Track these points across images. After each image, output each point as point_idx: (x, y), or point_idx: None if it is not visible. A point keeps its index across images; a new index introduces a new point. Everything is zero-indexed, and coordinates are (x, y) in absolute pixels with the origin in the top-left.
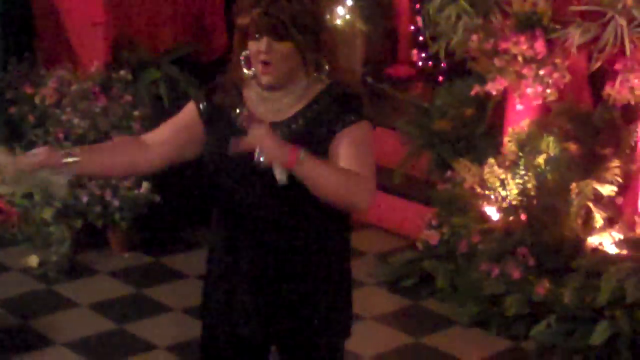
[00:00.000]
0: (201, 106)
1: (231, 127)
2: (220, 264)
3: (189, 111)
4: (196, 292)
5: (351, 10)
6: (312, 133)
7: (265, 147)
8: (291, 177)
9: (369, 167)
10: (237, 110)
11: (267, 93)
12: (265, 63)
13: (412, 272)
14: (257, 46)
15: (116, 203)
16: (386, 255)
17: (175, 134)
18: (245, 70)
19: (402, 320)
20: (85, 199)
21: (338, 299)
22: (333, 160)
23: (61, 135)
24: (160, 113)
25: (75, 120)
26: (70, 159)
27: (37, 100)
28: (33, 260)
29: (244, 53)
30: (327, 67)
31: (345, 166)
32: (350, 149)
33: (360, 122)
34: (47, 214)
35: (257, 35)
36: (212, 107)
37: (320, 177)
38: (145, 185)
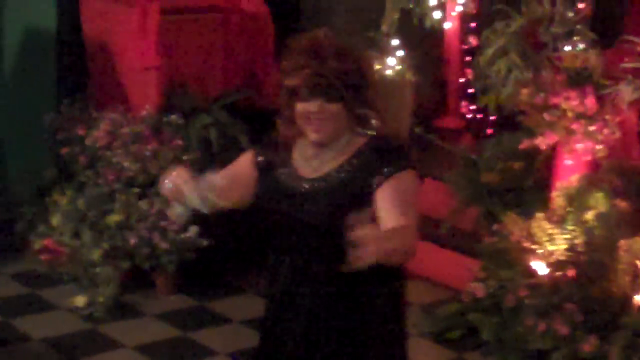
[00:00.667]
0: (259, 158)
1: (277, 184)
2: (276, 314)
3: (246, 160)
4: (240, 337)
5: (402, 60)
6: (350, 185)
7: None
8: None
9: (412, 215)
10: (283, 169)
11: (312, 150)
12: (319, 121)
13: (457, 325)
14: (307, 107)
15: (164, 246)
16: (432, 307)
17: (232, 179)
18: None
19: None
20: (133, 241)
21: (394, 352)
22: (378, 209)
23: (112, 178)
24: (209, 158)
25: (126, 163)
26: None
27: (88, 141)
28: (80, 300)
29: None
30: (373, 121)
31: (388, 214)
32: (392, 197)
33: (403, 172)
34: (95, 254)
35: (307, 97)
36: (266, 160)
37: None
38: (193, 229)
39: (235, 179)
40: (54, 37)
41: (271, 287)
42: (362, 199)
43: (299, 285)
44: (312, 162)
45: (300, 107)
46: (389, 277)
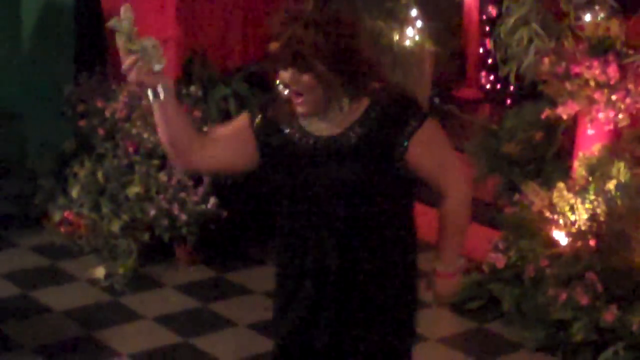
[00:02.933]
0: (256, 119)
1: (284, 140)
2: (289, 282)
3: (242, 120)
4: (260, 307)
5: (420, 31)
6: (374, 141)
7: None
8: (357, 198)
9: (452, 160)
10: (289, 127)
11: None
12: (297, 93)
13: (478, 295)
14: (282, 75)
15: (183, 217)
16: None
17: (227, 137)
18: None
19: (467, 344)
20: (152, 212)
21: (405, 313)
22: (417, 169)
23: (131, 149)
24: None
25: (145, 135)
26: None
27: (107, 113)
28: (100, 272)
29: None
30: (365, 88)
31: (433, 172)
32: (428, 154)
33: (426, 123)
34: (115, 226)
35: (283, 65)
36: (266, 120)
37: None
38: (212, 200)
39: (228, 137)
40: (72, 10)
41: (281, 255)
42: (389, 157)
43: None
44: (319, 123)
45: (280, 74)
46: (403, 247)
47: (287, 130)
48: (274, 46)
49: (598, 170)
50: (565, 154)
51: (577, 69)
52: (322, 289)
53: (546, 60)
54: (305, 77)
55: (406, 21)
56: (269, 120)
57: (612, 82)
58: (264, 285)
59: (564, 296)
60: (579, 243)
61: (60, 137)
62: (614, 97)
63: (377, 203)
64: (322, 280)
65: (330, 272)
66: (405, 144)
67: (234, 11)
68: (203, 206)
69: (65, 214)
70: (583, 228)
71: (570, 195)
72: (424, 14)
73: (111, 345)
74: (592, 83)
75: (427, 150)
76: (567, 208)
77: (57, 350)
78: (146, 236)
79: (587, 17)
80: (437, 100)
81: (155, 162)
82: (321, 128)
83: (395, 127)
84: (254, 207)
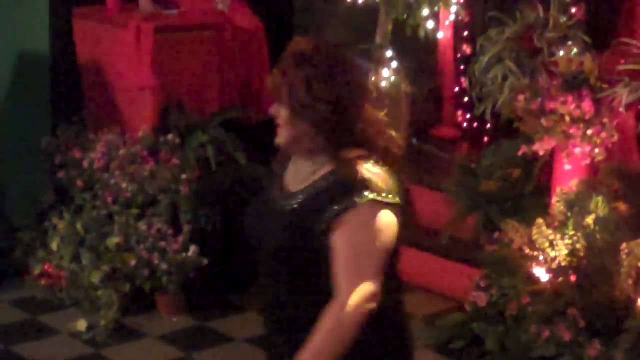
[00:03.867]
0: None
1: (267, 198)
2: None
3: None
4: (244, 356)
5: (396, 72)
6: (304, 213)
7: None
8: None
9: (361, 267)
10: (275, 182)
11: (296, 162)
12: (278, 125)
13: (461, 335)
14: (272, 108)
15: (164, 267)
16: (434, 318)
17: None
18: None
19: None
20: (133, 262)
21: None
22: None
23: (110, 199)
24: (207, 176)
25: (124, 185)
26: None
27: (85, 164)
28: (81, 325)
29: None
30: (337, 150)
31: (337, 264)
32: (340, 244)
33: (349, 211)
34: (95, 277)
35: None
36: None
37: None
38: (193, 249)
39: None
40: (48, 61)
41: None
42: (311, 234)
43: (274, 323)
44: (295, 173)
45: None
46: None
47: (273, 185)
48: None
49: (577, 205)
50: (543, 190)
51: (552, 105)
52: (273, 340)
53: (521, 97)
54: (284, 112)
55: (381, 62)
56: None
57: (587, 117)
58: (246, 332)
59: (547, 333)
60: (560, 279)
61: (38, 189)
62: (589, 132)
63: (297, 270)
64: (270, 332)
65: (268, 325)
66: (323, 226)
67: (209, 57)
68: (183, 254)
69: (46, 266)
70: (563, 264)
71: (550, 231)
72: (399, 55)
73: None
74: (567, 118)
75: (340, 239)
76: (546, 244)
77: None
78: (127, 287)
79: (561, 53)
80: (414, 140)
81: (134, 211)
82: (291, 179)
83: (323, 205)
84: (234, 254)
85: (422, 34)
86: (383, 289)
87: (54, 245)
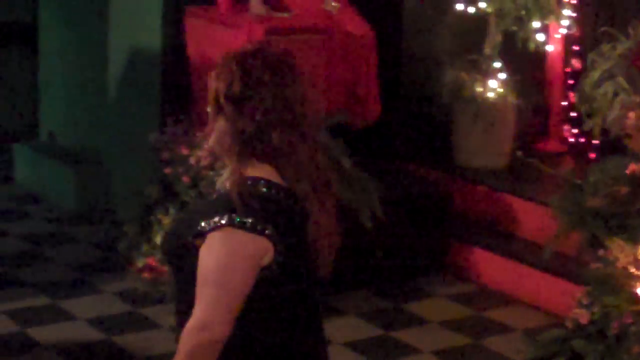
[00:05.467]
0: None
1: None
2: None
3: None
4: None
5: (504, 84)
6: (185, 225)
7: None
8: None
9: (216, 290)
10: None
11: None
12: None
13: (561, 351)
14: None
15: None
16: (534, 332)
17: None
18: None
19: None
20: None
21: None
22: None
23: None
24: None
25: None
26: None
27: (192, 161)
28: None
29: None
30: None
31: (198, 282)
32: (202, 262)
33: (214, 231)
34: None
35: None
36: None
37: None
38: None
39: None
40: (159, 58)
41: None
42: (182, 248)
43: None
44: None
45: None
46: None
47: None
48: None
49: None
50: None
51: None
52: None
53: (631, 114)
54: (210, 110)
55: (489, 73)
56: None
57: None
58: (345, 336)
59: None
60: None
61: (145, 184)
62: None
63: (178, 277)
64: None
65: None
66: (190, 240)
67: (317, 61)
68: None
69: (149, 260)
70: None
71: None
72: (508, 67)
73: None
74: None
75: (202, 257)
76: None
77: None
78: None
79: None
80: (519, 152)
81: None
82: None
83: (198, 219)
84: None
85: (531, 46)
86: (248, 319)
87: (158, 240)
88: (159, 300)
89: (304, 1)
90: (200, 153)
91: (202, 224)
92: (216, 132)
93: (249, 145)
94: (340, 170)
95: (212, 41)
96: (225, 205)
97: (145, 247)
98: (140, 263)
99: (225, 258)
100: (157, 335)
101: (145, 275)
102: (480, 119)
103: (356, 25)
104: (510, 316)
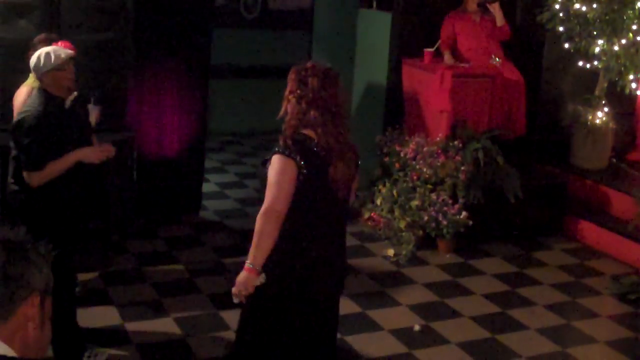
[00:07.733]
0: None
1: None
2: None
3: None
4: (491, 283)
5: (607, 114)
6: (264, 161)
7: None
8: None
9: (271, 187)
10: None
11: None
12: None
13: (636, 290)
14: None
15: (445, 222)
16: (618, 276)
17: None
18: None
19: (625, 321)
20: (425, 218)
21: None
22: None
23: (415, 177)
24: (477, 170)
25: (424, 169)
26: None
27: (402, 154)
28: (390, 252)
29: None
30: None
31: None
32: (268, 176)
33: (273, 156)
34: (402, 224)
35: None
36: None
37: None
38: (464, 213)
39: None
40: (385, 89)
41: None
42: (264, 170)
43: None
44: None
45: None
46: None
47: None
48: None
49: None
50: None
51: None
52: None
53: None
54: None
55: (598, 107)
56: None
57: None
58: (495, 269)
59: None
60: None
61: (371, 167)
62: None
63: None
64: None
65: None
66: (266, 164)
67: (485, 95)
68: (457, 217)
69: (372, 214)
70: None
71: None
72: (610, 103)
73: (395, 297)
74: None
75: (268, 171)
76: None
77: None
78: (420, 232)
79: None
80: (614, 160)
81: (429, 186)
82: None
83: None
84: (492, 218)
85: (627, 90)
86: (294, 211)
87: (378, 202)
88: (376, 239)
89: (478, 57)
90: (406, 149)
91: (268, 155)
92: (287, 110)
93: (300, 118)
94: (496, 164)
95: (419, 80)
96: (279, 144)
97: (369, 206)
98: (366, 215)
99: (278, 169)
100: (373, 261)
101: (369, 223)
102: (590, 137)
103: (512, 74)
104: (602, 266)
